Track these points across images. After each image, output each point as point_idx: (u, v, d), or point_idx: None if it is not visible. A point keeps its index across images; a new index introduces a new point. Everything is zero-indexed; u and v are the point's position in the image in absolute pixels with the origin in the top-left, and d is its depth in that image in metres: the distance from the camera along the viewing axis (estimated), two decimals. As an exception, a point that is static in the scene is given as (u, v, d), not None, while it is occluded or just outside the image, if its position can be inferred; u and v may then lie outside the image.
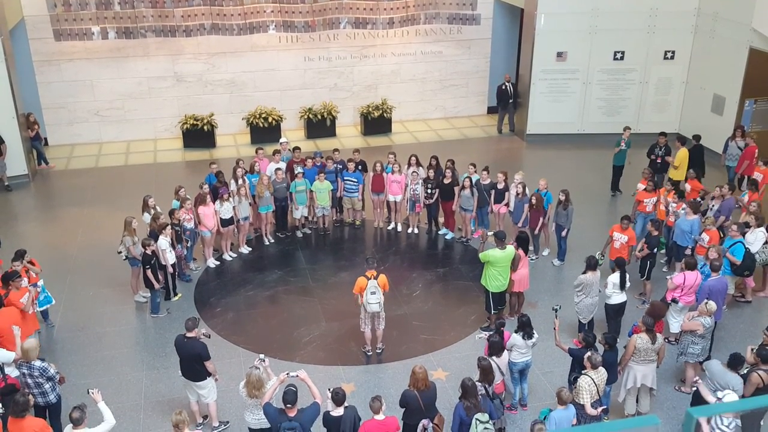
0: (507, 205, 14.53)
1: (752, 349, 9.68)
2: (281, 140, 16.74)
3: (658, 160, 16.08)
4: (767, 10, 16.70)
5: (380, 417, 8.48)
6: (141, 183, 17.17)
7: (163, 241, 12.53)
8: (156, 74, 20.09)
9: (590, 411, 9.05)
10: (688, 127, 19.68)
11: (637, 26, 19.44)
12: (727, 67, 18.24)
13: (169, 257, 12.65)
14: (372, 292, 10.96)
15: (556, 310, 10.53)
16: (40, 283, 11.69)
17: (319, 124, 20.77)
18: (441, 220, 15.45)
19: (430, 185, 14.91)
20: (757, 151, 15.84)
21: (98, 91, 19.91)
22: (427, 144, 20.09)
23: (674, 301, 11.30)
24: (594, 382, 9.15)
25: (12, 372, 9.67)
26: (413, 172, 15.06)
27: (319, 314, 12.75)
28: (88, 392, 8.76)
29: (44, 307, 11.82)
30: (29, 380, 9.32)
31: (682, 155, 15.70)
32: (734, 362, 9.35)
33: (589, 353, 9.31)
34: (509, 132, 21.32)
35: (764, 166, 14.76)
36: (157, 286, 12.40)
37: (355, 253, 14.82)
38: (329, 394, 8.55)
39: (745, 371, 9.42)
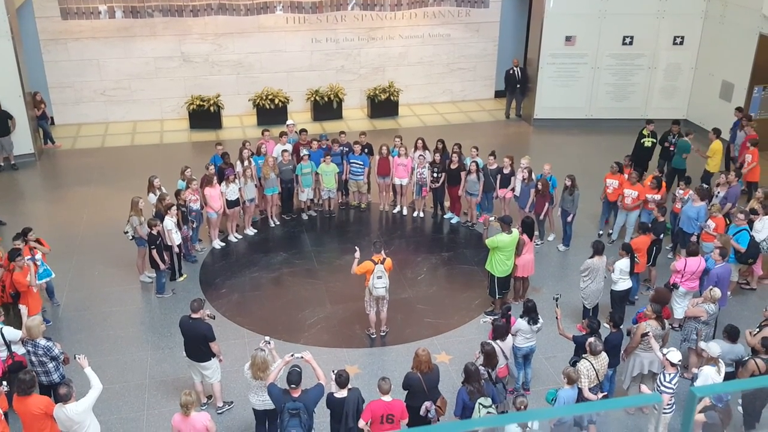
0: (513, 189, 14.50)
1: (750, 333, 9.72)
2: (288, 122, 16.70)
3: (671, 148, 16.04)
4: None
5: (387, 398, 8.52)
6: (147, 163, 17.19)
7: (169, 222, 12.56)
8: (163, 54, 20.03)
9: (588, 395, 9.05)
10: (696, 113, 19.63)
11: (646, 11, 19.28)
12: (737, 54, 18.10)
13: (175, 238, 12.68)
14: (378, 276, 10.98)
15: (556, 299, 10.47)
16: (38, 256, 11.38)
17: (326, 107, 20.73)
18: (447, 204, 15.45)
19: (436, 169, 14.89)
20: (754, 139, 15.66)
21: (105, 71, 19.88)
22: (434, 128, 20.03)
23: (675, 286, 11.30)
24: (593, 367, 9.15)
25: (19, 350, 9.74)
26: (419, 155, 15.04)
27: (324, 297, 12.78)
28: (75, 357, 8.84)
29: (44, 280, 11.45)
30: (33, 358, 9.39)
31: (715, 147, 15.56)
32: (734, 334, 9.59)
33: (591, 339, 9.31)
34: (516, 117, 21.24)
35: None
36: (162, 266, 12.43)
37: (360, 236, 14.81)
38: (333, 376, 8.59)
39: (746, 357, 9.46)
